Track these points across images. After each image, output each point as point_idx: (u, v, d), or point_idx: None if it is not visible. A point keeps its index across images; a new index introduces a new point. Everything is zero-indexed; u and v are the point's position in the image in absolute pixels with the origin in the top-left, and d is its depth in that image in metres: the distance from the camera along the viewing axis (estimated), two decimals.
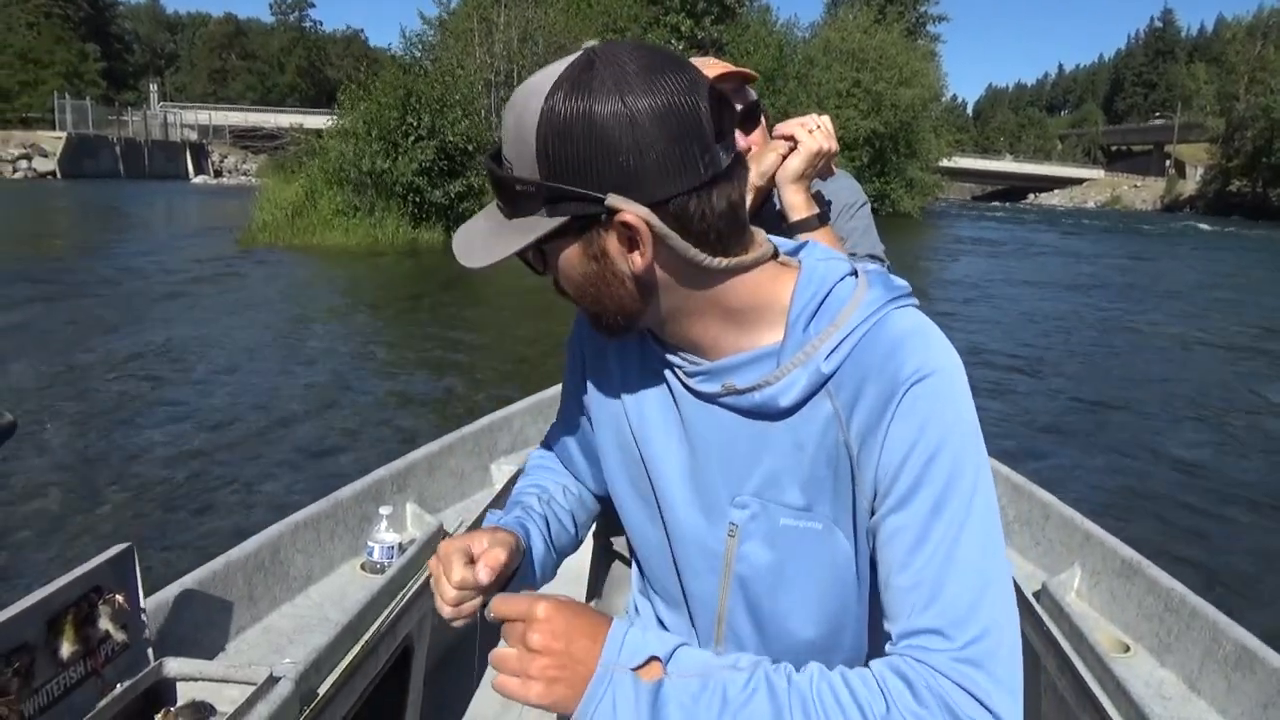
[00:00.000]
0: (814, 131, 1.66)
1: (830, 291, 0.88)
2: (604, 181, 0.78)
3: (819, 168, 1.69)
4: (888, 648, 0.82)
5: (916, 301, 0.91)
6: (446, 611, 0.95)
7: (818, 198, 1.72)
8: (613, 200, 0.78)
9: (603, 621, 0.81)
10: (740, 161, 0.85)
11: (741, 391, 0.89)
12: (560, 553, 1.15)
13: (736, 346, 0.90)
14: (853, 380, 0.85)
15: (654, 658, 0.79)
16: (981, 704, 0.75)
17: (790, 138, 1.66)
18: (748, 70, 1.78)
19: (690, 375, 0.93)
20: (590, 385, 1.08)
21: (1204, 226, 46.43)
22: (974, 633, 0.78)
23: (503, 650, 0.81)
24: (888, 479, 0.84)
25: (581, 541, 1.22)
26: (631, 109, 0.76)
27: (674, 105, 0.78)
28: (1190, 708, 1.67)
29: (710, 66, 1.70)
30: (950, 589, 0.79)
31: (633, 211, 0.79)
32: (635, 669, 0.78)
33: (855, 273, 0.92)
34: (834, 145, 1.68)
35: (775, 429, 0.90)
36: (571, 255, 0.84)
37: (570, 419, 1.20)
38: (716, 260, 0.84)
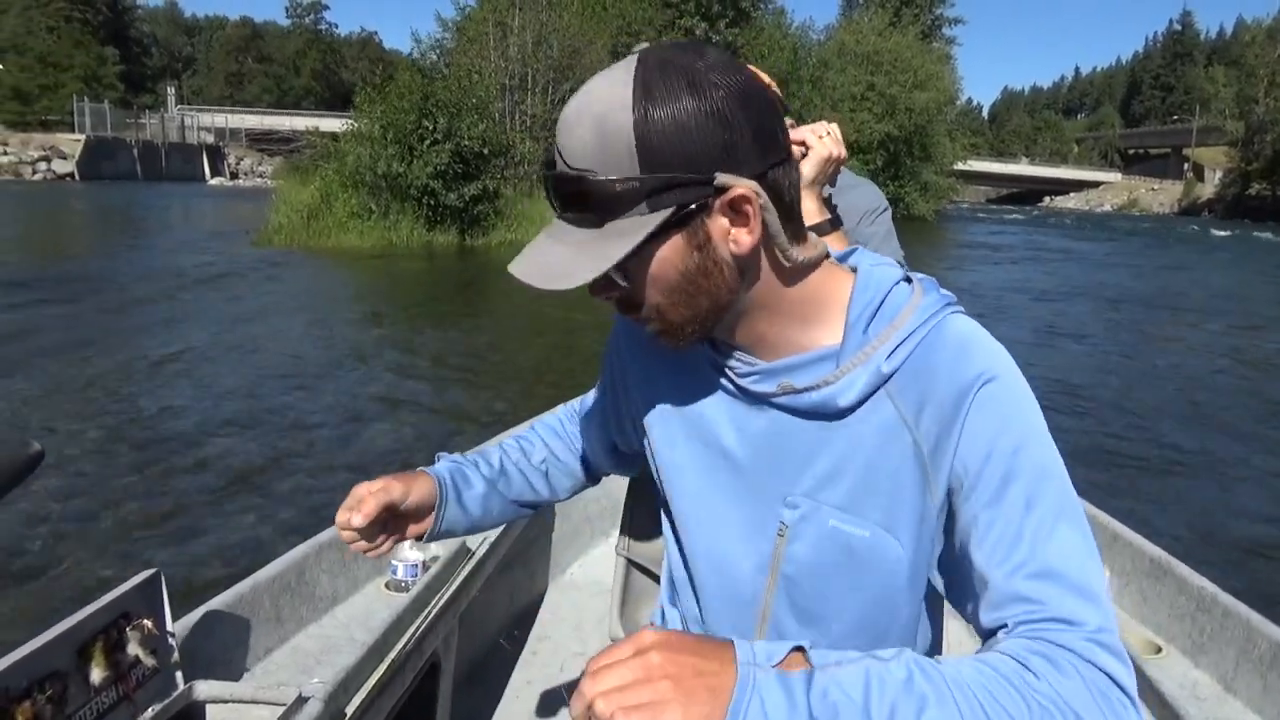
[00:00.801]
0: (824, 138, 1.69)
1: (888, 295, 0.91)
2: (706, 164, 0.79)
3: (830, 174, 1.72)
4: (1003, 634, 0.80)
5: (964, 309, 0.93)
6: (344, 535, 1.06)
7: (826, 204, 1.74)
8: (722, 178, 0.80)
9: (715, 637, 0.76)
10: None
11: (799, 391, 0.91)
12: (517, 500, 1.23)
13: (795, 346, 0.92)
14: (917, 382, 0.87)
15: (796, 648, 0.74)
16: (1117, 684, 0.75)
17: (801, 143, 1.68)
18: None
19: (744, 376, 0.94)
20: (637, 397, 1.10)
21: (1221, 232, 46.05)
22: (1097, 620, 0.78)
23: (610, 683, 0.69)
24: (970, 475, 0.85)
25: (552, 497, 1.29)
26: (716, 96, 0.79)
27: (748, 86, 0.81)
28: (1225, 708, 1.65)
29: None
30: (1062, 580, 0.80)
31: (743, 184, 0.80)
32: (776, 664, 0.72)
33: (908, 279, 0.94)
34: (843, 152, 1.72)
35: (831, 429, 0.91)
36: (672, 251, 0.83)
37: (598, 411, 1.24)
38: (794, 250, 0.87)
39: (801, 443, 0.93)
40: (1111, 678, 0.75)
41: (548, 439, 1.29)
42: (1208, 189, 77.51)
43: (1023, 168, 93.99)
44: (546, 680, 2.48)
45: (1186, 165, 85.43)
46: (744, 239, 0.83)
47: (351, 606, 1.91)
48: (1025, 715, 0.71)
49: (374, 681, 1.55)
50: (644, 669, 0.69)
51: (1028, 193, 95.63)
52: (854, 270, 0.95)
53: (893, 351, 0.88)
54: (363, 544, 1.07)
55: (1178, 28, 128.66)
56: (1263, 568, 4.63)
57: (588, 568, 3.00)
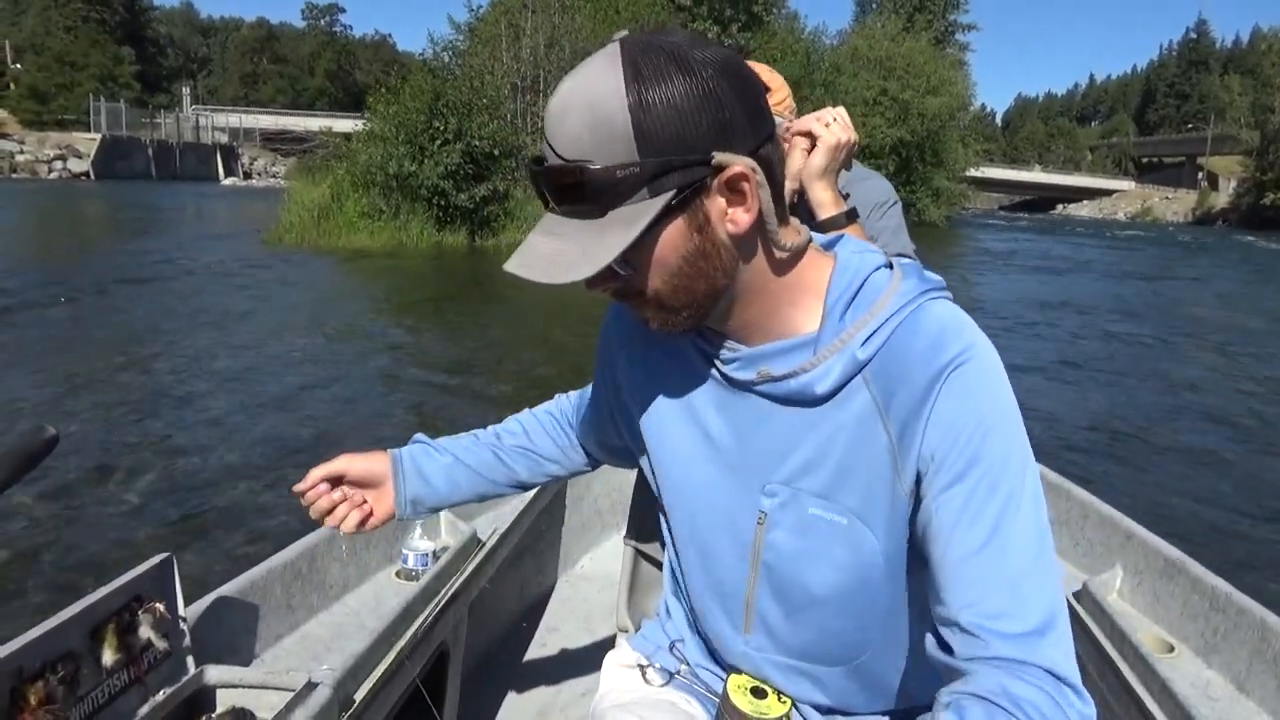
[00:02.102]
0: (831, 125, 1.64)
1: (866, 281, 0.90)
2: (703, 144, 0.79)
3: (842, 160, 1.67)
4: (953, 626, 0.81)
5: (950, 295, 0.93)
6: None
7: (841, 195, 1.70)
8: (720, 157, 0.80)
9: None
10: None
11: (777, 378, 0.91)
12: (488, 476, 1.26)
13: (778, 332, 0.92)
14: (890, 367, 0.87)
15: None
16: (1066, 684, 0.77)
17: (808, 134, 1.65)
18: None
19: (726, 363, 0.94)
20: (626, 387, 1.10)
21: (1237, 238, 45.79)
22: (1044, 611, 0.79)
23: None
24: (936, 459, 0.84)
25: (529, 479, 1.30)
26: (705, 75, 0.79)
27: (733, 62, 0.82)
28: (1238, 708, 1.64)
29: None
30: (1011, 568, 0.80)
31: (741, 163, 0.80)
32: None
33: (890, 264, 0.93)
34: (853, 135, 1.66)
35: (810, 416, 0.91)
36: (673, 235, 0.83)
37: (591, 402, 1.25)
38: (782, 234, 0.87)
39: (782, 430, 0.93)
40: (1061, 679, 0.77)
41: (527, 424, 1.31)
42: (1222, 198, 77.13)
43: (1036, 175, 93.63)
44: (555, 672, 2.48)
45: (1201, 174, 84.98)
46: (742, 218, 0.83)
47: (362, 594, 1.91)
48: None
49: (383, 669, 1.55)
50: None
51: (1040, 200, 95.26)
52: (835, 256, 0.95)
53: (868, 338, 0.87)
54: (319, 505, 1.16)
55: (1193, 36, 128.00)
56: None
57: (598, 560, 3.01)
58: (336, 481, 1.17)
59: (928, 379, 0.84)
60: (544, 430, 1.30)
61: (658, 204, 0.80)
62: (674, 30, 0.83)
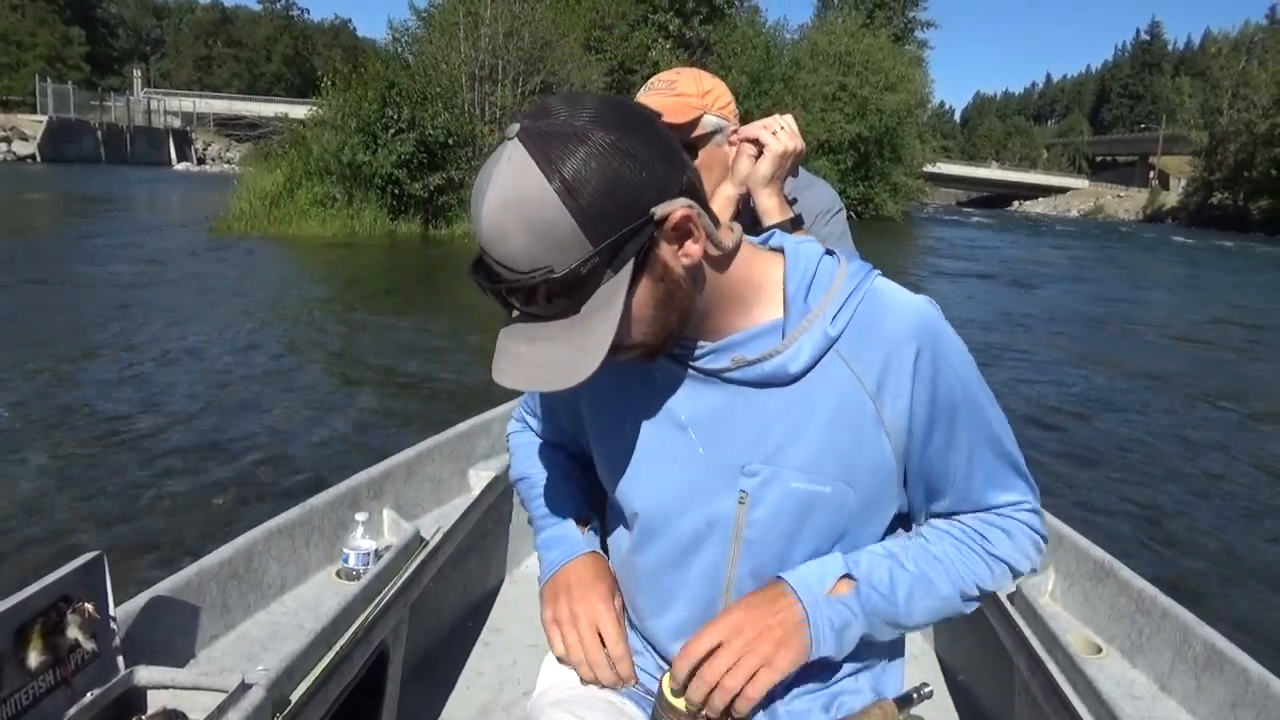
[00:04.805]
0: (778, 133, 1.66)
1: (819, 267, 0.98)
2: (641, 205, 0.82)
3: (788, 168, 1.70)
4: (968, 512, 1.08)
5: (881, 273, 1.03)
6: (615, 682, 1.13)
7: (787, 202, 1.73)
8: (659, 210, 0.83)
9: (776, 584, 1.00)
10: None
11: (752, 362, 0.96)
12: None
13: (738, 327, 0.97)
14: (863, 340, 0.96)
15: (844, 576, 1.00)
16: (1042, 536, 1.09)
17: (755, 141, 1.66)
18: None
19: (697, 357, 0.99)
20: (589, 396, 1.11)
21: (1181, 239, 46.75)
22: (1027, 495, 1.08)
23: (722, 666, 0.96)
24: (928, 418, 0.99)
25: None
26: (613, 135, 0.81)
27: (624, 115, 0.84)
28: (1160, 707, 1.69)
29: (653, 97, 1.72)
30: (1002, 474, 1.05)
31: (679, 206, 0.85)
32: (829, 591, 0.99)
33: (830, 251, 1.02)
34: (800, 144, 1.68)
35: (784, 395, 0.97)
36: (642, 293, 0.87)
37: (553, 417, 1.28)
38: (722, 239, 0.92)
39: (757, 412, 0.98)
40: (1039, 534, 1.09)
41: (560, 460, 1.32)
42: (1172, 197, 78.57)
43: (993, 171, 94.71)
44: (497, 672, 2.47)
45: (1152, 173, 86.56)
46: (693, 249, 0.88)
47: (300, 594, 1.89)
48: (988, 574, 1.05)
49: (320, 670, 1.54)
50: (741, 646, 0.96)
51: (997, 197, 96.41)
52: (778, 250, 1.01)
53: (836, 314, 0.95)
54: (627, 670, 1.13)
55: (1146, 38, 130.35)
56: (1204, 570, 4.74)
57: None
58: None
59: (904, 349, 0.95)
60: (558, 444, 1.33)
61: (624, 278, 0.84)
62: (554, 104, 0.84)
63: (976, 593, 1.05)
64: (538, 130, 0.80)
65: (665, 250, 0.86)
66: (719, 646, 0.96)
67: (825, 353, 0.95)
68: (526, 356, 0.87)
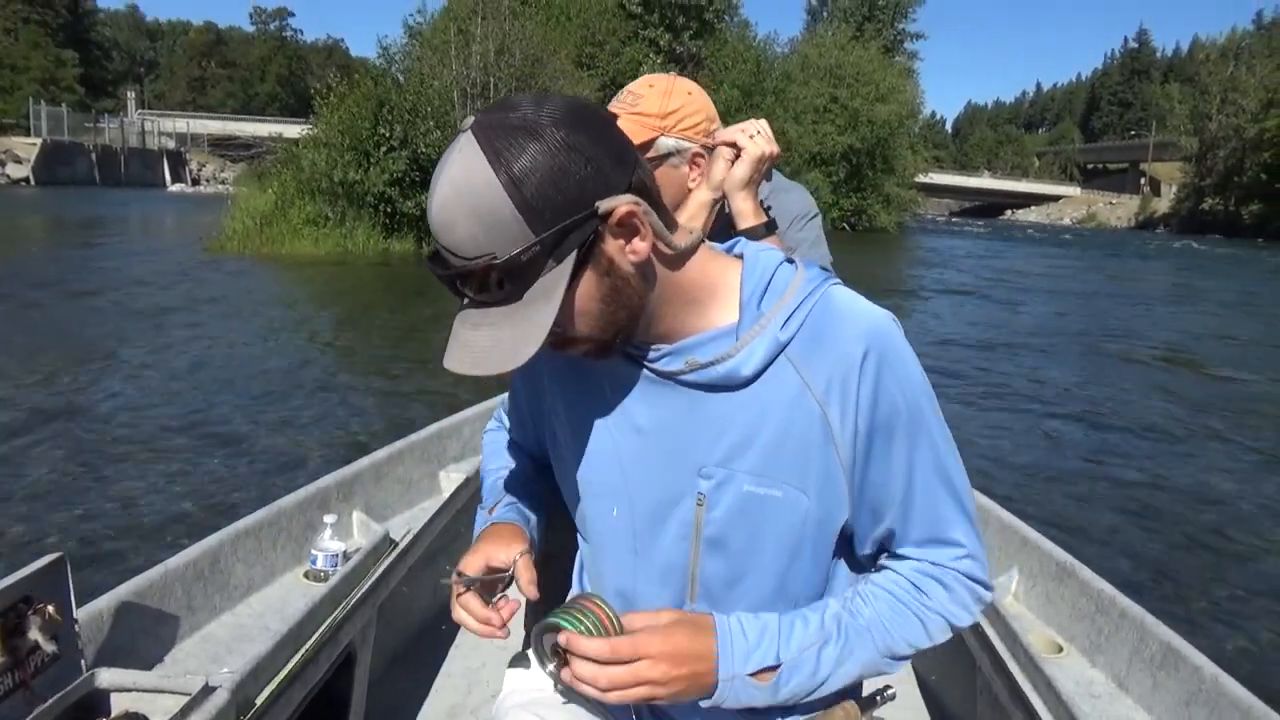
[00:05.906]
0: (754, 137, 1.67)
1: (775, 273, 0.99)
2: (585, 199, 0.84)
3: (764, 172, 1.70)
4: (902, 556, 1.06)
5: (840, 282, 1.03)
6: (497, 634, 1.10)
7: (762, 207, 1.73)
8: (603, 205, 0.85)
9: (707, 638, 0.97)
10: None
11: (704, 365, 0.97)
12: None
13: (694, 329, 0.99)
14: (813, 347, 0.96)
15: (769, 668, 0.98)
16: (985, 587, 1.06)
17: (733, 144, 1.67)
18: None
19: (653, 360, 1.00)
20: (552, 396, 1.14)
21: (1175, 244, 46.86)
22: (970, 542, 1.04)
23: (610, 676, 0.93)
24: (874, 428, 0.97)
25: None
26: (563, 132, 0.84)
27: (580, 112, 0.87)
28: (1117, 706, 1.71)
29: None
30: (944, 508, 1.02)
31: (623, 202, 0.86)
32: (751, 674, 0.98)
33: (790, 259, 1.03)
34: (775, 149, 1.69)
35: (737, 400, 0.98)
36: (586, 286, 0.89)
37: (516, 410, 1.30)
38: (674, 239, 0.93)
39: (712, 416, 0.99)
40: (981, 584, 1.05)
41: (510, 449, 1.35)
42: (1163, 204, 78.90)
43: (985, 181, 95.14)
44: (466, 674, 2.47)
45: (1143, 180, 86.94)
46: (640, 246, 0.89)
47: (267, 596, 1.89)
48: (922, 632, 1.04)
49: (285, 672, 1.54)
50: (642, 674, 0.93)
51: (990, 206, 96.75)
52: (739, 257, 1.03)
53: (786, 320, 0.96)
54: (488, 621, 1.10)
55: (1135, 45, 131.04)
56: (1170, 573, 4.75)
57: None
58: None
59: (854, 357, 0.95)
60: (521, 449, 1.34)
61: (565, 268, 0.86)
62: (517, 100, 0.87)
63: (909, 651, 1.04)
64: (490, 123, 0.84)
65: (611, 245, 0.88)
66: (626, 661, 0.94)
67: (776, 357, 0.96)
68: (472, 342, 0.90)
